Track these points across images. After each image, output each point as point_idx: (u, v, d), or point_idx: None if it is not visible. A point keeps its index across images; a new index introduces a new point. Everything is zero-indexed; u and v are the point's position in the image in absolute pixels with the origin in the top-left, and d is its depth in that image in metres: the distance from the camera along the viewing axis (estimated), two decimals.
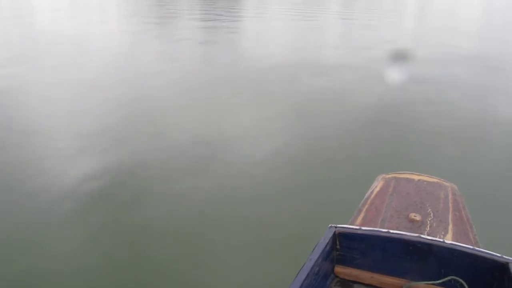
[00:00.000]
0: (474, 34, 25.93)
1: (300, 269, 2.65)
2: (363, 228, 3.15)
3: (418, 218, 3.42)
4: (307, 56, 17.03)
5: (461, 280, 2.72)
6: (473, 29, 29.70)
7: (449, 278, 2.78)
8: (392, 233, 3.02)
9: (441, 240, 2.96)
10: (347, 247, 3.09)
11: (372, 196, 3.80)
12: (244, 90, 11.35)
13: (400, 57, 14.99)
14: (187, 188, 6.12)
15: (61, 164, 6.90)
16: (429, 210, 3.56)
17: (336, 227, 3.12)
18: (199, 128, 8.52)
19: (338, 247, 3.10)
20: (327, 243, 2.98)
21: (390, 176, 4.12)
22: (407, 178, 4.07)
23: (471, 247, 2.87)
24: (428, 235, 3.17)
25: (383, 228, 3.20)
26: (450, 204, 3.66)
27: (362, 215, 3.57)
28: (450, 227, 3.38)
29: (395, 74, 12.47)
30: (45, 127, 8.45)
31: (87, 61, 14.95)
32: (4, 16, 30.90)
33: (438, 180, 4.06)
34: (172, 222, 5.37)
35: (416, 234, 3.00)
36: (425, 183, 3.99)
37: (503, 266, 2.66)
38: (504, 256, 2.71)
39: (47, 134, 8.12)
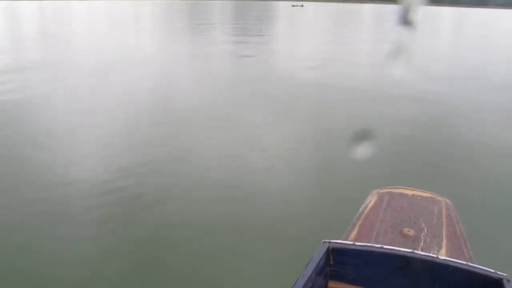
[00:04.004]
0: None
1: (293, 285, 2.62)
2: (357, 243, 3.13)
3: (412, 233, 3.41)
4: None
5: None
6: None
7: None
8: (386, 248, 3.00)
9: (435, 255, 2.94)
10: (341, 263, 3.07)
11: (366, 210, 3.79)
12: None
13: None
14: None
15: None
16: (423, 225, 3.54)
17: (329, 242, 3.10)
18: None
19: (331, 262, 3.07)
20: (321, 259, 2.95)
21: (384, 190, 4.11)
22: (401, 193, 4.06)
23: (465, 262, 2.85)
24: (422, 250, 3.16)
25: (377, 243, 3.18)
26: (444, 219, 3.65)
27: (356, 230, 3.55)
28: (444, 242, 3.36)
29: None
30: None
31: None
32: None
33: (432, 195, 4.06)
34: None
35: (410, 250, 2.98)
36: (419, 198, 3.99)
37: (497, 282, 2.64)
38: (498, 272, 2.70)
39: None
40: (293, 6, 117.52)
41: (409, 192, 4.08)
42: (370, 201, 3.94)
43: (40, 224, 5.47)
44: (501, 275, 2.67)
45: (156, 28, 40.59)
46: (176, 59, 20.34)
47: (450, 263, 2.82)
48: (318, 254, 2.98)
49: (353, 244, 3.09)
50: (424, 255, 2.92)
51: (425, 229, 3.49)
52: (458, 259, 2.92)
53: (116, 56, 20.50)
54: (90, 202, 5.99)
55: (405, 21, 1.40)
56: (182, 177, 7.00)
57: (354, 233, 3.51)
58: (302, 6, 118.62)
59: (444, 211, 3.78)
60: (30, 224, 5.49)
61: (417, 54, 19.38)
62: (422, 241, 3.35)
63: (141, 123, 9.79)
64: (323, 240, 3.12)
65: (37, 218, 5.61)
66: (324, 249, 3.03)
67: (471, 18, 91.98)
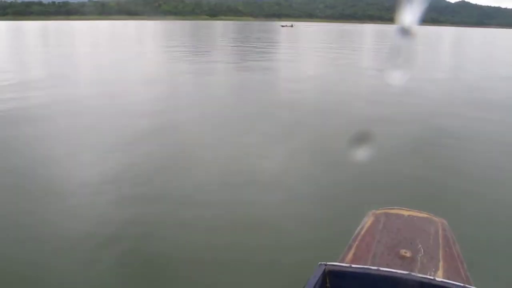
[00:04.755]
0: None
1: None
2: (353, 265, 3.12)
3: (408, 254, 3.40)
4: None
5: None
6: None
7: None
8: (383, 270, 2.99)
9: (432, 277, 2.93)
10: (338, 285, 3.05)
11: (363, 232, 3.78)
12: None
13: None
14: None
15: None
16: (420, 246, 3.53)
17: (326, 264, 3.09)
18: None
19: (328, 285, 3.06)
20: (317, 282, 2.94)
21: (380, 211, 4.11)
22: (397, 213, 4.06)
23: (462, 284, 2.84)
24: (418, 272, 3.14)
25: (374, 265, 3.17)
26: (441, 240, 3.64)
27: (352, 251, 3.54)
28: (441, 263, 3.35)
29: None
30: None
31: None
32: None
33: (428, 216, 4.05)
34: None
35: (407, 272, 2.97)
36: (415, 218, 3.98)
37: None
38: None
39: None
40: (282, 26, 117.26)
41: (405, 212, 4.08)
42: (366, 222, 3.93)
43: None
44: None
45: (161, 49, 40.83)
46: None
47: (447, 285, 2.81)
48: (314, 277, 2.97)
49: (350, 267, 3.08)
50: (421, 277, 2.91)
51: (422, 250, 3.48)
52: (455, 281, 2.91)
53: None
54: (89, 229, 6.01)
55: (404, 31, 1.51)
56: (178, 198, 7.04)
57: (350, 255, 3.50)
58: (291, 26, 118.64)
59: (440, 231, 3.77)
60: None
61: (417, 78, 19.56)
62: (419, 263, 3.34)
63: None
64: (319, 263, 3.11)
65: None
66: (320, 271, 3.02)
67: (476, 37, 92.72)
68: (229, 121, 12.23)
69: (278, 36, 68.59)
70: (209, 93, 17.16)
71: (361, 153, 9.08)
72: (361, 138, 10.09)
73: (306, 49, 43.68)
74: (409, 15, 1.58)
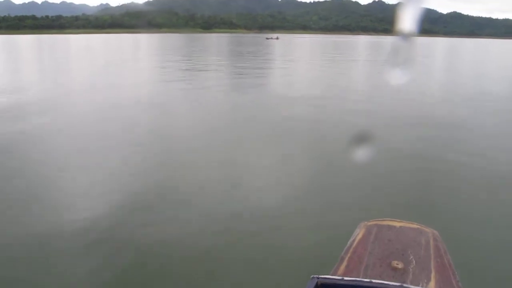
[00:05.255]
0: None
1: None
2: (346, 278, 3.11)
3: (400, 266, 3.40)
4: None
5: None
6: None
7: None
8: (375, 282, 2.99)
9: None
10: None
11: (355, 244, 3.78)
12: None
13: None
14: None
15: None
16: (411, 257, 3.54)
17: (318, 277, 3.08)
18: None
19: None
20: None
21: (371, 223, 4.11)
22: (389, 225, 4.06)
23: None
24: (410, 283, 3.14)
25: (366, 277, 3.17)
26: (432, 251, 3.65)
27: (344, 263, 3.54)
28: (433, 274, 3.35)
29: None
30: None
31: None
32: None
33: (419, 226, 4.06)
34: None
35: (399, 283, 2.97)
36: (406, 229, 3.99)
37: None
38: None
39: None
40: (267, 38, 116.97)
41: (397, 224, 4.08)
42: (358, 234, 3.93)
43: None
44: None
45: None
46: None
47: None
48: None
49: (342, 279, 3.07)
50: None
51: (414, 261, 3.49)
52: None
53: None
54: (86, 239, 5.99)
55: (404, 36, 1.59)
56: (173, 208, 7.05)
57: (343, 267, 3.49)
58: (277, 38, 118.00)
59: (431, 242, 3.78)
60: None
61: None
62: (411, 274, 3.34)
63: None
64: (312, 276, 3.10)
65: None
66: (313, 285, 3.01)
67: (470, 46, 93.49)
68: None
69: (270, 49, 68.87)
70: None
71: (352, 165, 9.18)
72: (352, 149, 10.19)
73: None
74: (408, 25, 1.65)
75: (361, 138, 10.51)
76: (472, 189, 8.08)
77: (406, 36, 1.60)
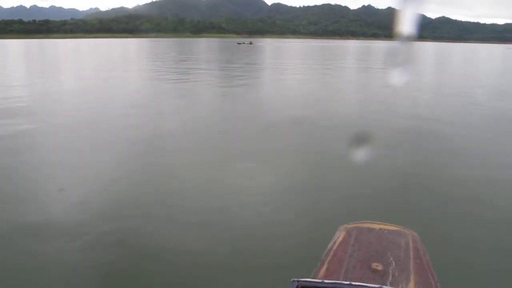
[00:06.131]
0: None
1: None
2: (326, 281, 3.12)
3: (380, 268, 3.43)
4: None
5: None
6: None
7: None
8: (355, 285, 3.01)
9: None
10: None
11: (335, 247, 3.80)
12: None
13: None
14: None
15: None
16: (391, 259, 3.56)
17: (299, 281, 3.09)
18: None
19: None
20: None
21: (351, 226, 4.14)
22: (368, 227, 4.09)
23: None
24: (390, 285, 3.17)
25: (347, 280, 3.18)
26: (411, 252, 3.68)
27: (325, 267, 3.56)
28: (412, 275, 3.38)
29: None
30: None
31: None
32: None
33: (399, 228, 4.09)
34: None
35: (378, 285, 2.99)
36: (386, 231, 4.02)
37: None
38: None
39: None
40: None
41: (376, 226, 4.11)
42: (338, 237, 3.96)
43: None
44: None
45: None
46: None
47: None
48: None
49: (322, 282, 3.09)
50: None
51: (393, 263, 3.51)
52: None
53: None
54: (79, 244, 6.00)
55: (404, 38, 1.62)
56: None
57: (323, 270, 3.51)
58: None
59: (411, 243, 3.81)
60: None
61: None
62: (390, 276, 3.37)
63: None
64: (292, 279, 3.11)
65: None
66: None
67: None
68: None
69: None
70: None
71: (332, 169, 9.23)
72: (333, 154, 10.26)
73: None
74: (406, 28, 1.69)
75: (343, 144, 10.62)
76: (450, 191, 8.18)
77: (404, 40, 1.63)
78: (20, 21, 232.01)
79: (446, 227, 6.56)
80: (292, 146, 11.52)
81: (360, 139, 9.03)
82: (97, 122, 14.65)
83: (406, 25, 1.67)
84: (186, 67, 40.45)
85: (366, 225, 4.13)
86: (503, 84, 30.81)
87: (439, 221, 6.78)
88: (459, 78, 34.22)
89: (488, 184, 8.61)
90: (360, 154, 7.84)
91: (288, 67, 42.26)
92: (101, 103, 19.02)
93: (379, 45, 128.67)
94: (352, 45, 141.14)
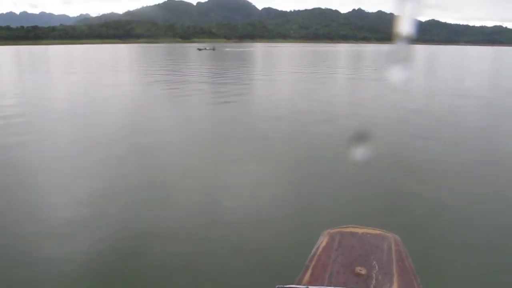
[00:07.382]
0: None
1: None
2: (310, 286, 3.14)
3: (363, 272, 3.45)
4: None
5: None
6: None
7: None
8: None
9: None
10: None
11: (318, 252, 3.81)
12: None
13: None
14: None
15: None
16: (374, 262, 3.58)
17: (283, 287, 3.11)
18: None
19: None
20: None
21: (335, 230, 4.15)
22: (351, 231, 4.10)
23: None
24: None
25: (331, 285, 3.20)
26: (394, 255, 3.70)
27: (309, 272, 3.57)
28: (395, 278, 3.40)
29: None
30: None
31: None
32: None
33: (381, 232, 4.11)
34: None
35: None
36: (368, 235, 4.03)
37: None
38: None
39: None
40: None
41: (359, 230, 4.13)
42: (322, 242, 3.97)
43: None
44: None
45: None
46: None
47: None
48: None
49: None
50: None
51: (376, 267, 3.54)
52: None
53: None
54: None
55: (404, 38, 1.65)
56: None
57: (307, 276, 3.52)
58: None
59: (393, 247, 3.84)
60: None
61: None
62: (374, 279, 3.39)
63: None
64: (277, 286, 3.12)
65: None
66: None
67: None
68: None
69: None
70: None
71: (315, 174, 9.24)
72: (316, 158, 10.28)
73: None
74: (405, 30, 1.73)
75: (326, 150, 10.68)
76: (431, 193, 8.18)
77: (404, 43, 1.65)
78: (8, 28, 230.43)
79: (428, 230, 6.58)
80: (275, 151, 11.54)
81: (347, 144, 9.10)
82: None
83: (404, 27, 1.70)
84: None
85: (349, 230, 4.15)
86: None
87: (421, 224, 6.80)
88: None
89: (470, 188, 8.61)
90: (345, 160, 7.92)
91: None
92: None
93: (371, 48, 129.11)
94: (343, 49, 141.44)
